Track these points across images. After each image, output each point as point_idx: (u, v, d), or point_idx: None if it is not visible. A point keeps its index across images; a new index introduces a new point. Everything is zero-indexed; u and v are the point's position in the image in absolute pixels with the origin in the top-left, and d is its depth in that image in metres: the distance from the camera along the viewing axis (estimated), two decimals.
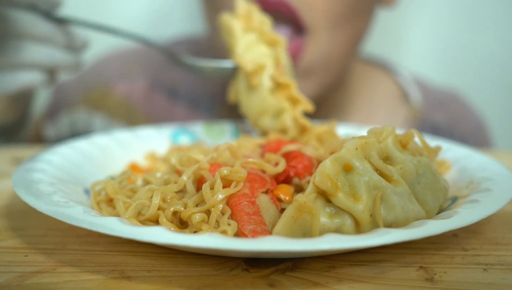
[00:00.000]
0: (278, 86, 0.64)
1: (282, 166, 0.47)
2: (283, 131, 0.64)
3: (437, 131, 0.91)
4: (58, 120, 0.95)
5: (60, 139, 0.93)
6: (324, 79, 0.80)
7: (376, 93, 0.95)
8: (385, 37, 1.23)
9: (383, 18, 1.11)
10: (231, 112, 0.92)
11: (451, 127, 0.92)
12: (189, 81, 0.93)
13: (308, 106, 0.64)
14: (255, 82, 0.63)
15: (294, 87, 0.64)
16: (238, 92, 0.66)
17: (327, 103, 0.89)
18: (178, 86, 0.93)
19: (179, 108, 0.91)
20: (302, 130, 0.64)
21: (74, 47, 0.64)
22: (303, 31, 0.74)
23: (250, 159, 0.46)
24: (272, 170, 0.46)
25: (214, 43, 0.82)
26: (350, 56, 0.83)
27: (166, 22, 1.21)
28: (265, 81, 0.64)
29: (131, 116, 0.92)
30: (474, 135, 0.93)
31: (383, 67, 0.98)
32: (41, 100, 1.02)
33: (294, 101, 0.65)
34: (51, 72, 0.64)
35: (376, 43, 1.19)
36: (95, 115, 0.93)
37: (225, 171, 0.44)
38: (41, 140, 0.96)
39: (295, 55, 0.74)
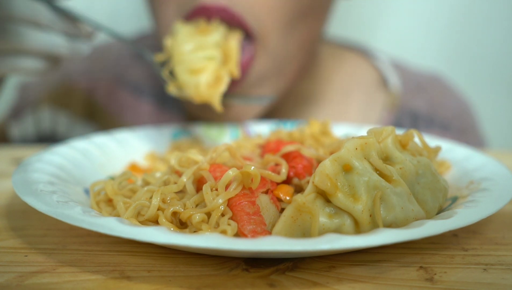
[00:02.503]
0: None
1: (285, 171, 0.47)
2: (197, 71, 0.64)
3: (416, 118, 0.87)
4: (23, 119, 0.92)
5: (25, 139, 0.92)
6: (279, 84, 0.75)
7: (352, 80, 0.90)
8: (361, 20, 1.19)
9: (359, 3, 1.06)
10: (200, 109, 0.86)
11: (431, 113, 0.88)
12: (156, 77, 0.90)
13: (235, 73, 0.65)
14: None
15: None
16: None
17: (294, 92, 0.85)
18: (144, 82, 0.91)
19: (145, 105, 0.89)
20: (217, 80, 0.64)
21: (79, 35, 0.63)
22: (252, 37, 0.69)
23: (260, 171, 0.46)
24: (277, 178, 0.46)
25: (160, 40, 0.76)
26: (307, 56, 0.78)
27: (125, 18, 1.19)
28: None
29: (95, 113, 0.90)
30: (457, 120, 0.89)
31: (360, 51, 0.93)
32: (5, 100, 1.01)
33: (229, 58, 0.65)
34: (53, 59, 0.63)
35: (352, 26, 1.13)
36: (59, 114, 0.91)
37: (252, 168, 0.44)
38: (6, 140, 0.94)
39: (246, 66, 0.69)
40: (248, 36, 0.69)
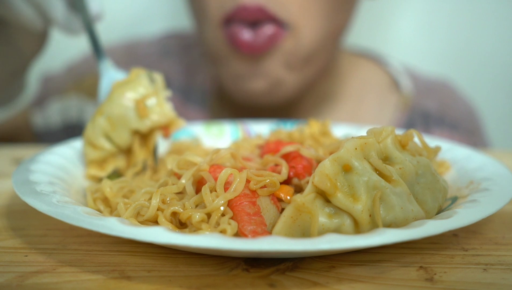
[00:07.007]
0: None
1: (285, 171, 0.47)
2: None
3: (428, 118, 0.93)
4: (47, 107, 0.96)
5: (49, 127, 0.96)
6: (306, 72, 0.82)
7: (366, 82, 0.97)
8: (374, 28, 1.25)
9: (371, 9, 1.11)
10: (222, 105, 0.94)
11: (442, 113, 0.94)
12: (181, 73, 0.95)
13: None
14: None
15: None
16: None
17: (315, 92, 0.92)
18: (170, 77, 0.95)
19: (170, 100, 0.92)
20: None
21: (80, 11, 0.64)
22: (283, 27, 0.77)
23: (260, 172, 0.46)
24: (278, 178, 0.46)
25: (202, 38, 0.84)
26: (332, 48, 0.85)
27: (153, 17, 1.23)
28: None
29: None
30: (465, 121, 0.94)
31: (373, 58, 1.00)
32: (29, 90, 1.03)
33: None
34: (45, 17, 0.64)
35: (365, 35, 1.19)
36: (88, 103, 0.95)
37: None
38: (29, 128, 0.98)
39: (272, 40, 0.76)
40: (280, 26, 0.76)
